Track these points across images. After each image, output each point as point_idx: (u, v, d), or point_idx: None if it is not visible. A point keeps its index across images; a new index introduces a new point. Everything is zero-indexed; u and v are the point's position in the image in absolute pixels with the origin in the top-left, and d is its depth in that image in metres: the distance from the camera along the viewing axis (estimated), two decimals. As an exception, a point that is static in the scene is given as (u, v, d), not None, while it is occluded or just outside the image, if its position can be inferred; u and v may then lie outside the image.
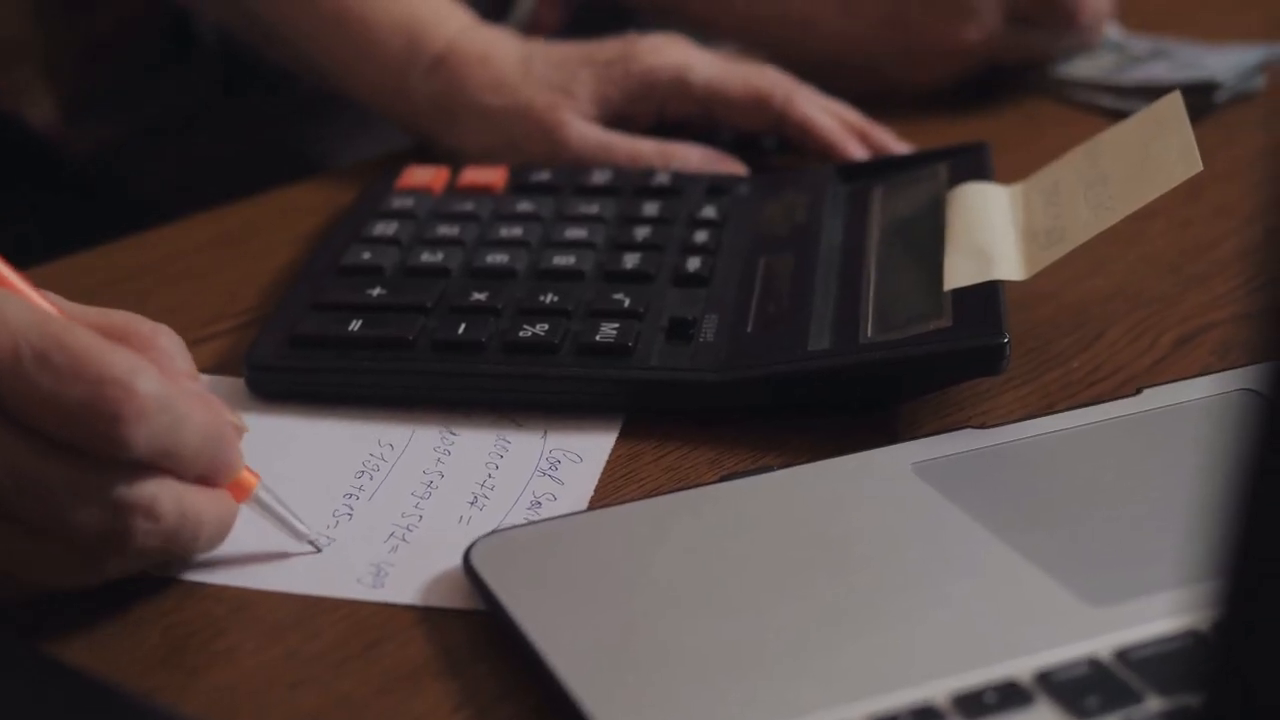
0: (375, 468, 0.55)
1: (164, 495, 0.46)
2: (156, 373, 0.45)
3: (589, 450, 0.56)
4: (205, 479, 0.48)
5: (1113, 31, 0.90)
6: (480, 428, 0.57)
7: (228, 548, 0.50)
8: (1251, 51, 0.86)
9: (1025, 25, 0.86)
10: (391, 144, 0.82)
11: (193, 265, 0.71)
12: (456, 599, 0.49)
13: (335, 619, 0.48)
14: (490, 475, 0.55)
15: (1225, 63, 0.86)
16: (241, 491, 0.50)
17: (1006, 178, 0.67)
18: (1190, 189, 0.59)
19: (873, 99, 0.80)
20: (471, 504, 0.53)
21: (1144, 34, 0.91)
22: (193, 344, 0.62)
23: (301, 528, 0.51)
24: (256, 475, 0.50)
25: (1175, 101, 0.61)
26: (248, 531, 0.51)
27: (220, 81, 0.98)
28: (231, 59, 0.96)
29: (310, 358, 0.59)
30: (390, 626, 0.48)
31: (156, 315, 0.50)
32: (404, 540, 0.51)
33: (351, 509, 0.53)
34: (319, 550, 0.51)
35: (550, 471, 0.55)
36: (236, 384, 0.60)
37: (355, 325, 0.60)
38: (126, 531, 0.46)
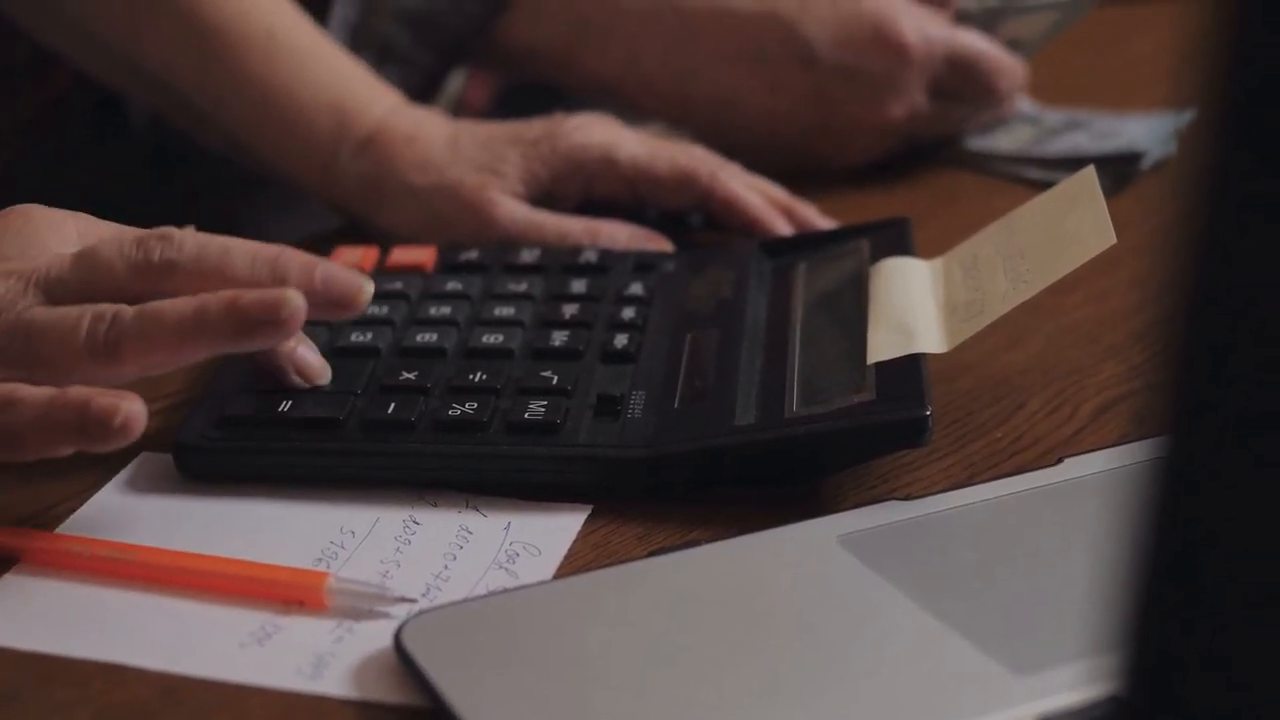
0: (334, 555, 0.55)
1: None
2: None
3: (549, 543, 0.55)
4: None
5: (1025, 104, 0.92)
6: (445, 516, 0.57)
7: (159, 634, 0.50)
8: (1164, 118, 0.88)
9: (945, 99, 0.88)
10: (320, 224, 0.82)
11: (121, 347, 0.70)
12: (390, 687, 0.48)
13: (265, 701, 0.48)
14: (447, 566, 0.54)
15: (1142, 130, 0.87)
16: (318, 597, 0.51)
17: (927, 251, 0.68)
18: (1108, 260, 0.60)
19: (797, 175, 0.82)
20: (424, 595, 0.53)
21: (1054, 106, 0.93)
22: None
23: (389, 592, 0.52)
24: (325, 573, 0.52)
25: (1089, 176, 0.63)
26: (179, 615, 0.51)
27: (149, 161, 0.98)
28: (162, 140, 0.96)
29: (240, 438, 0.59)
30: (323, 708, 0.48)
31: (84, 398, 0.50)
32: (350, 631, 0.51)
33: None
34: (416, 600, 0.52)
35: (507, 564, 0.54)
36: (166, 464, 0.60)
37: (285, 406, 0.60)
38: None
